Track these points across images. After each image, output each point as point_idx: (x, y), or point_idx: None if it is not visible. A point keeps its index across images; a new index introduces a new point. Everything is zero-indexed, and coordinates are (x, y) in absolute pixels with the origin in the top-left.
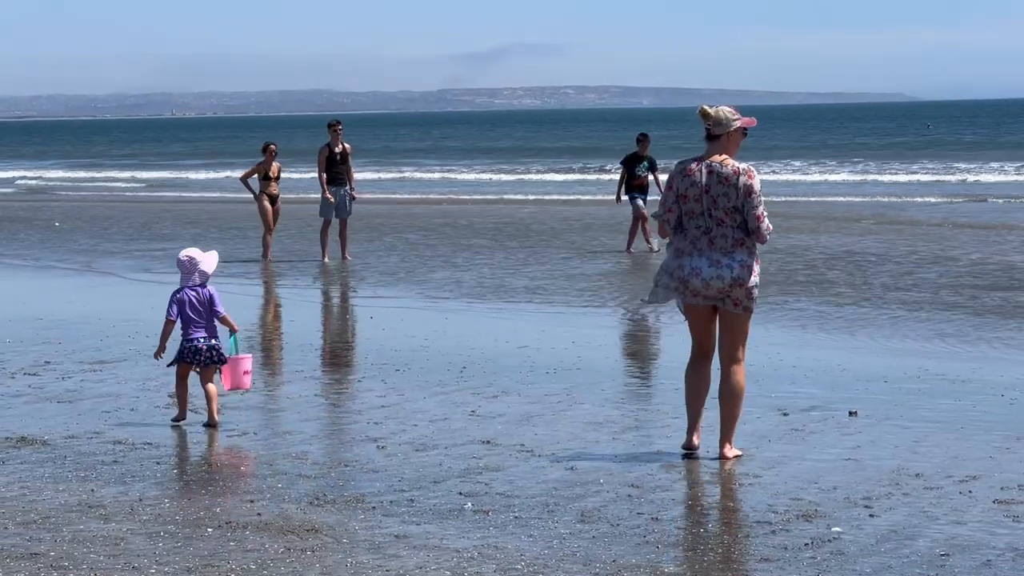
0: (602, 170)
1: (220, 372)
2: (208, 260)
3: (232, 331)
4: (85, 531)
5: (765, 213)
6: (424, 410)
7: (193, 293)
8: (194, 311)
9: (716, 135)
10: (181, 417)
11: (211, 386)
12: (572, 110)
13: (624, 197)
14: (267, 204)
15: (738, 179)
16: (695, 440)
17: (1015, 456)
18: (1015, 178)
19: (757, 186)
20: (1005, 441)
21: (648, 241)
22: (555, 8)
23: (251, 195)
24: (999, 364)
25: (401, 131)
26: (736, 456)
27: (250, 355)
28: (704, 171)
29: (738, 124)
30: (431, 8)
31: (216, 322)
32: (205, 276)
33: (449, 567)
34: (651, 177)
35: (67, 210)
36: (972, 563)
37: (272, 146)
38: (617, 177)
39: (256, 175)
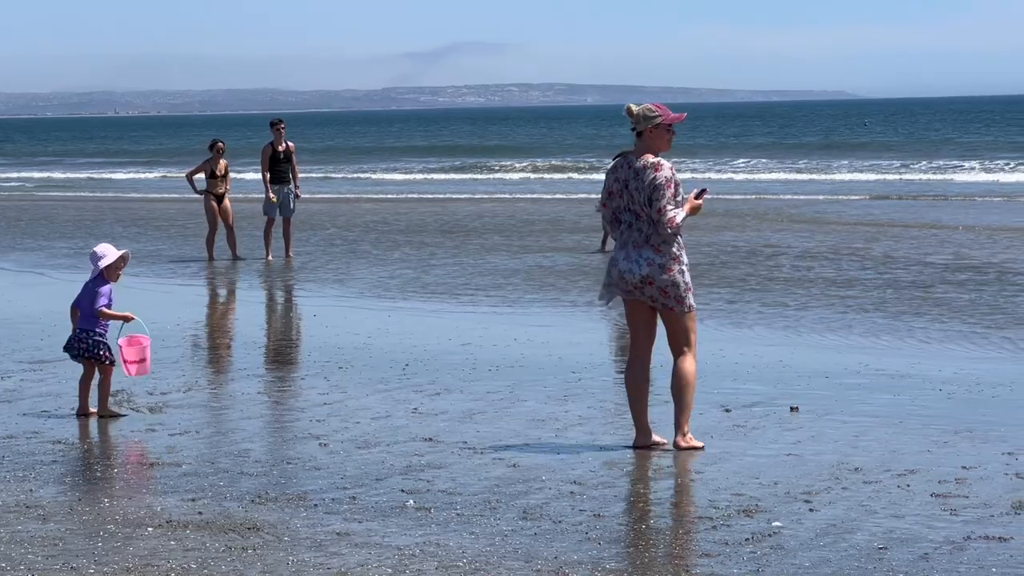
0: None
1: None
2: (108, 256)
3: (125, 321)
4: (23, 531)
5: (671, 207)
6: (367, 408)
7: (90, 285)
8: (81, 303)
9: (639, 132)
10: (80, 411)
11: (104, 379)
12: (516, 107)
13: None
14: (213, 203)
15: (645, 172)
16: (642, 438)
17: (952, 450)
18: (948, 176)
19: (660, 179)
20: (943, 435)
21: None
22: (499, 7)
23: (197, 193)
24: (937, 359)
25: (344, 129)
26: (693, 447)
27: (144, 342)
28: (625, 166)
29: (659, 120)
30: (376, 8)
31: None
32: (97, 270)
33: (391, 564)
34: None
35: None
36: (910, 556)
37: (220, 144)
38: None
39: (202, 173)
